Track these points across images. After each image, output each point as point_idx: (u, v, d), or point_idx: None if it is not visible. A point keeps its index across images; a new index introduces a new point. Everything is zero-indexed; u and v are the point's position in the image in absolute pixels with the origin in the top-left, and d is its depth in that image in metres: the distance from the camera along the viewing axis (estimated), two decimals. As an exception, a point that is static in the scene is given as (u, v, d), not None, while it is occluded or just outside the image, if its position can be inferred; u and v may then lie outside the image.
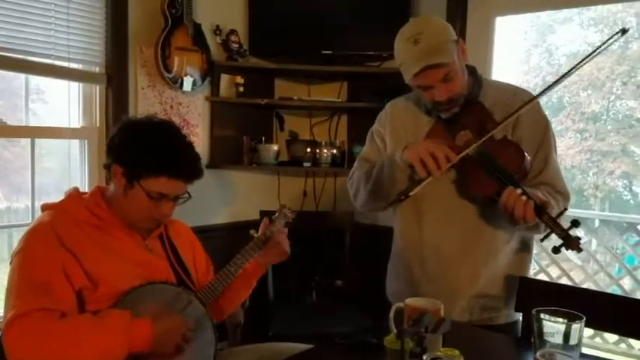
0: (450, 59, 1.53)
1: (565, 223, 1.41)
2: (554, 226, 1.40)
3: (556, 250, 1.40)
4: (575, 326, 1.12)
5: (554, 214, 1.44)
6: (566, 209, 1.47)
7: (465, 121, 1.63)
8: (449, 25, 1.62)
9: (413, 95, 1.80)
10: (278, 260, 1.68)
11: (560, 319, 1.13)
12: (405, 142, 1.71)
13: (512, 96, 1.65)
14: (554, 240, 1.42)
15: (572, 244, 1.37)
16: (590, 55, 1.48)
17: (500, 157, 1.53)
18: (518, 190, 1.45)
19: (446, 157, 1.49)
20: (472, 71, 1.69)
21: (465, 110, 1.63)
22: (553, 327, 1.13)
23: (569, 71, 1.50)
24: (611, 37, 1.47)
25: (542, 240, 1.46)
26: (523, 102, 1.56)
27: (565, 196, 1.62)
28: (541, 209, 1.41)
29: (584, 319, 1.13)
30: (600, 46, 1.47)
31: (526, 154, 1.55)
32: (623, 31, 1.46)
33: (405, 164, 1.57)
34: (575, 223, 1.38)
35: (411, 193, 1.52)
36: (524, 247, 1.74)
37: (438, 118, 1.68)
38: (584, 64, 1.49)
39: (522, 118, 1.61)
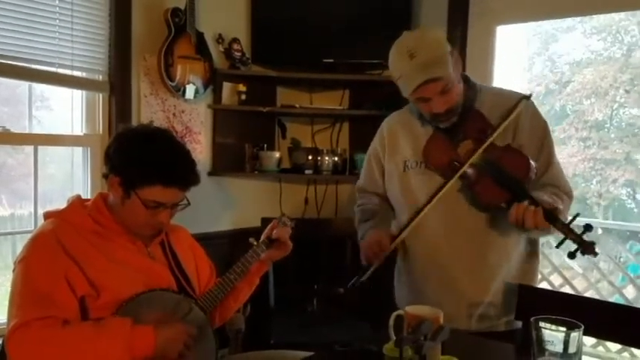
0: (448, 72, 1.55)
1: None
2: (567, 231, 1.41)
3: (572, 255, 1.40)
4: (574, 334, 1.12)
5: (563, 217, 1.46)
6: (578, 215, 1.47)
7: (464, 129, 1.65)
8: (443, 36, 1.64)
9: (406, 108, 1.82)
10: (282, 255, 1.70)
11: (559, 328, 1.13)
12: (405, 154, 1.73)
13: (508, 99, 1.67)
14: (560, 248, 1.43)
15: (588, 248, 1.38)
16: (507, 118, 1.61)
17: (505, 164, 1.55)
18: (525, 202, 1.46)
19: (378, 245, 1.65)
20: (465, 79, 1.71)
21: (463, 119, 1.65)
22: (552, 335, 1.13)
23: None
24: (519, 102, 1.63)
25: (557, 246, 1.47)
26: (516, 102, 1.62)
27: (569, 194, 1.65)
28: (552, 215, 1.42)
29: (583, 327, 1.12)
30: (511, 113, 1.61)
31: (530, 160, 1.56)
32: (527, 97, 1.65)
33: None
34: (588, 227, 1.39)
35: (362, 279, 1.68)
36: (532, 253, 1.75)
37: (436, 128, 1.70)
38: (504, 126, 1.61)
39: (522, 124, 1.64)
